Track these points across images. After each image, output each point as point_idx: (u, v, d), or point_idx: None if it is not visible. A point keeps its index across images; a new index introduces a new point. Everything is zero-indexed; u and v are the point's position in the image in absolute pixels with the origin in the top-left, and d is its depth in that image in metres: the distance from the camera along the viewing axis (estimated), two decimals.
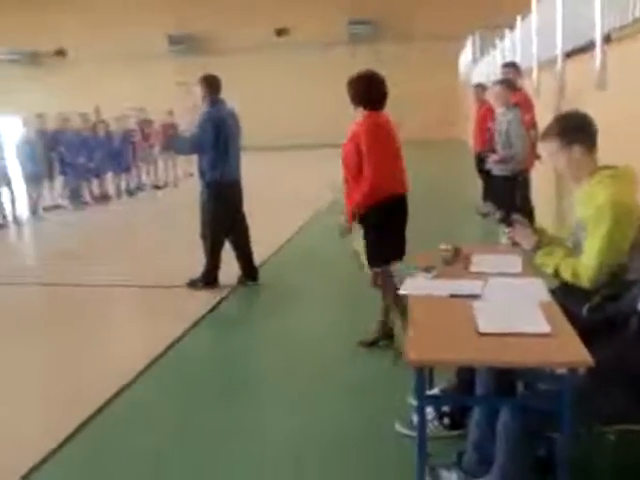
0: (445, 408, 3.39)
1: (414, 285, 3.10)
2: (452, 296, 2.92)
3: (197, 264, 6.42)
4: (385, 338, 4.64)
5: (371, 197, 4.28)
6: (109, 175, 14.05)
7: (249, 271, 6.51)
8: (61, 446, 3.51)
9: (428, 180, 14.16)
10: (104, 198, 13.66)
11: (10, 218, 11.41)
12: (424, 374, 2.53)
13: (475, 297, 2.87)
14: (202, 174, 6.31)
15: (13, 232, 11.11)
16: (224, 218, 6.28)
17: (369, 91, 4.45)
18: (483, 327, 2.51)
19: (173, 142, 6.73)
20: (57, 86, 27.87)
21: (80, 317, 5.94)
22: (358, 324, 4.96)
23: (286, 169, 17.71)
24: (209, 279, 6.38)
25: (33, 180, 11.89)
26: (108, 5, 25.28)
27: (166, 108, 15.72)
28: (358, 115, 4.47)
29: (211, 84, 6.31)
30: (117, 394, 4.10)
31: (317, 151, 23.58)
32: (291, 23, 26.74)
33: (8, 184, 11.41)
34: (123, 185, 14.53)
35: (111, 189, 14.18)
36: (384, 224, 4.35)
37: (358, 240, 4.48)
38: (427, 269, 3.27)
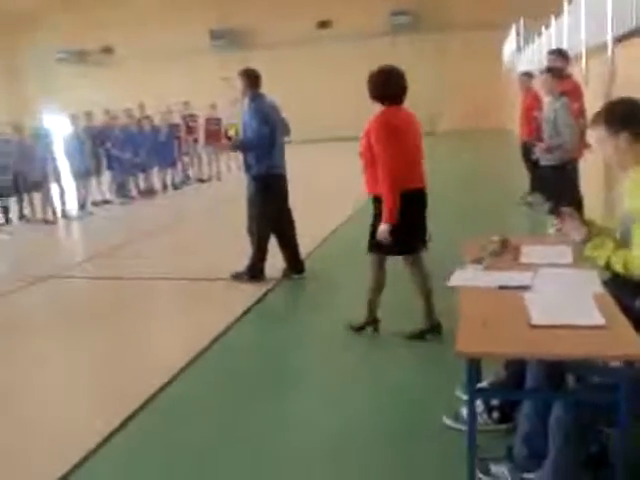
0: (494, 402, 3.35)
1: (463, 277, 3.06)
2: (501, 288, 2.88)
3: (242, 257, 6.45)
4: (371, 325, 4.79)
5: (394, 195, 4.33)
6: (155, 170, 14.28)
7: (295, 264, 6.51)
8: (106, 440, 3.54)
9: (472, 170, 14.03)
10: (150, 192, 13.86)
11: (59, 213, 11.70)
12: (475, 367, 2.49)
13: (525, 288, 2.82)
14: (248, 168, 6.32)
15: (62, 227, 11.36)
16: (271, 211, 6.28)
17: (385, 86, 4.51)
18: (535, 319, 2.46)
19: (239, 145, 6.74)
20: (104, 83, 28.36)
21: (127, 310, 6.03)
22: (401, 316, 4.93)
23: (329, 162, 17.68)
24: (254, 272, 6.40)
25: (81, 176, 12.15)
26: (152, 2, 25.58)
27: (209, 102, 15.86)
28: (377, 109, 4.53)
29: (252, 78, 6.30)
30: (162, 388, 4.14)
31: (354, 143, 23.58)
32: (333, 15, 26.68)
33: (57, 180, 11.69)
34: (169, 179, 14.75)
35: (157, 183, 14.41)
36: (404, 215, 4.38)
37: None
38: (476, 261, 3.24)
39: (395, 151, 4.33)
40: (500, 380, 3.33)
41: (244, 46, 27.69)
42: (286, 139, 6.53)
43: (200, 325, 5.44)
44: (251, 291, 6.13)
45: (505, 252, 3.36)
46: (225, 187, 14.34)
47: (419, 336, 4.63)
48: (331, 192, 11.82)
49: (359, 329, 4.79)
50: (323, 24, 26.86)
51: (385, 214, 4.37)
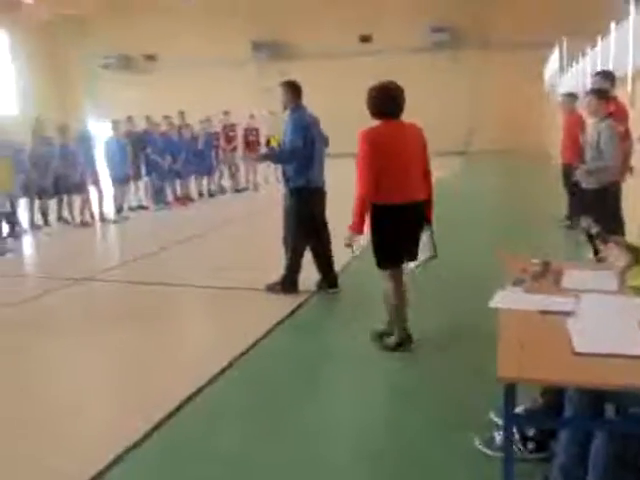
0: (529, 431, 3.25)
1: (504, 299, 3.00)
2: (543, 312, 2.82)
3: (276, 267, 6.46)
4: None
5: (361, 209, 4.47)
6: (192, 177, 14.40)
7: (329, 278, 6.48)
8: (136, 445, 3.54)
9: (509, 190, 13.89)
10: (186, 199, 13.98)
11: (97, 217, 11.86)
12: (514, 392, 2.43)
13: (568, 314, 2.76)
14: (287, 180, 6.31)
15: (99, 230, 11.51)
16: (307, 224, 6.26)
17: (381, 103, 4.57)
18: (579, 346, 2.39)
19: (272, 155, 6.75)
20: (146, 89, 28.78)
21: (160, 315, 6.06)
22: (435, 333, 4.86)
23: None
24: (288, 284, 6.39)
25: (120, 180, 12.31)
26: (196, 12, 25.94)
27: (248, 112, 15.98)
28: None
29: (294, 90, 6.29)
30: (193, 395, 4.13)
31: None
32: (374, 30, 26.77)
33: (96, 184, 11.86)
34: (205, 187, 14.87)
35: (193, 191, 14.53)
36: (378, 231, 4.54)
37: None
38: (517, 283, 3.18)
39: (378, 165, 4.39)
40: (536, 407, 3.26)
41: (285, 58, 27.91)
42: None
43: (233, 334, 5.43)
44: (285, 302, 6.12)
45: (546, 275, 3.30)
46: (261, 198, 14.43)
47: (393, 348, 4.74)
48: None
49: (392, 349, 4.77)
50: (364, 38, 26.97)
51: (352, 224, 4.51)
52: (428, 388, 4.19)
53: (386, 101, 4.56)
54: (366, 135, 4.46)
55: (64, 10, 27.27)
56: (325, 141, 6.52)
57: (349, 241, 4.55)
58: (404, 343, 4.76)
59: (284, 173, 6.33)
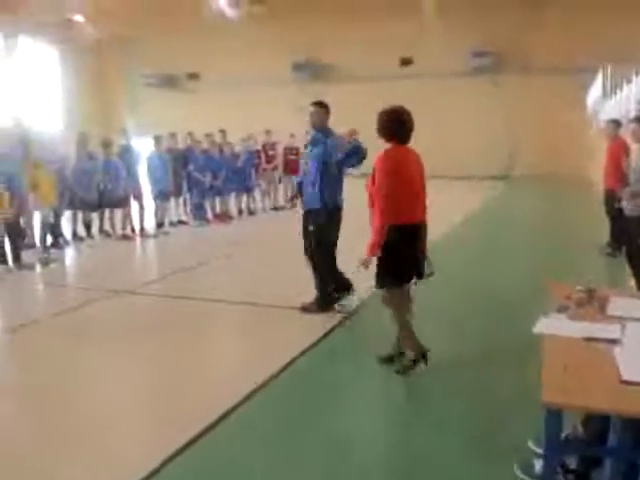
0: (570, 462, 3.19)
1: (548, 325, 2.98)
2: (588, 339, 2.79)
3: (311, 286, 6.51)
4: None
5: (381, 228, 4.49)
6: (232, 194, 14.55)
7: (346, 284, 6.56)
8: (168, 461, 3.54)
9: (550, 216, 13.74)
10: (226, 216, 14.12)
11: (138, 231, 12.06)
12: (558, 418, 2.41)
13: (613, 342, 2.73)
14: (314, 198, 6.32)
15: (139, 244, 11.68)
16: (333, 241, 6.40)
17: (392, 127, 4.65)
18: (627, 375, 2.37)
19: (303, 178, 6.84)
20: (189, 107, 29.25)
21: (195, 331, 6.11)
22: (465, 357, 4.82)
23: None
24: (324, 302, 6.43)
25: (161, 196, 12.50)
26: (237, 32, 26.31)
27: (289, 131, 16.10)
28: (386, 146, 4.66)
29: (327, 110, 6.41)
30: (226, 413, 4.13)
31: (432, 181, 23.44)
32: (415, 53, 26.87)
33: (139, 198, 12.07)
34: (244, 205, 15.00)
35: (233, 208, 14.68)
36: (390, 252, 4.54)
37: None
38: (560, 309, 3.16)
39: (397, 187, 4.50)
40: (577, 435, 3.21)
41: (325, 79, 28.15)
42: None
43: (266, 352, 5.45)
44: (322, 321, 6.14)
45: (591, 302, 3.27)
46: (298, 216, 14.46)
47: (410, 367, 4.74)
48: None
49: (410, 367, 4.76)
50: (405, 61, 27.07)
51: (369, 245, 4.54)
52: (459, 412, 4.14)
53: (399, 126, 4.67)
54: (387, 158, 4.57)
55: (112, 30, 27.95)
56: (363, 153, 6.67)
57: (366, 263, 4.59)
58: (419, 360, 4.76)
59: (312, 191, 6.31)
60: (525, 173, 24.43)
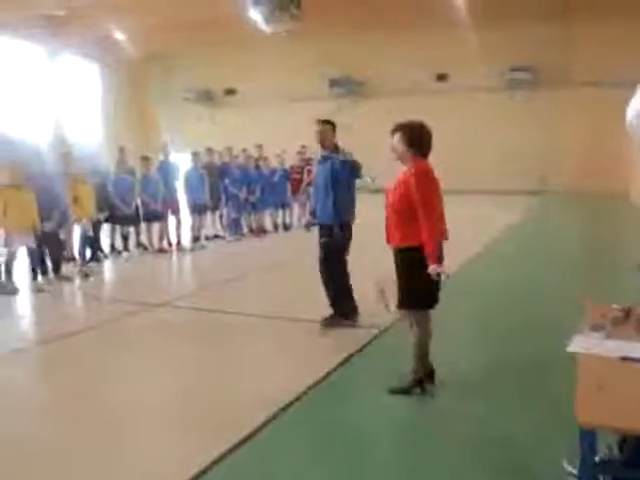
0: None
1: (584, 344, 2.96)
2: (624, 359, 2.76)
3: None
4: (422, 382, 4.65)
5: (436, 239, 4.35)
6: (267, 209, 14.66)
7: (351, 308, 6.59)
8: (204, 472, 3.56)
9: (586, 232, 13.54)
10: (261, 231, 14.23)
11: (174, 244, 12.22)
12: (594, 440, 2.38)
13: None
14: (333, 215, 6.36)
15: (175, 258, 11.83)
16: (346, 255, 6.48)
17: (419, 139, 4.53)
18: None
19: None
20: (226, 122, 29.62)
21: (230, 343, 6.15)
22: (491, 377, 4.75)
23: None
24: (347, 314, 6.48)
25: (198, 210, 12.64)
26: (274, 48, 26.57)
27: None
28: (406, 161, 4.53)
29: (333, 128, 6.48)
30: (257, 430, 4.12)
31: (469, 196, 23.29)
32: (450, 69, 26.83)
33: (175, 213, 12.24)
34: (280, 219, 15.09)
35: (268, 223, 14.77)
36: (423, 272, 4.35)
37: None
38: (595, 328, 3.13)
39: (435, 204, 4.42)
40: (613, 457, 3.15)
41: (361, 94, 28.29)
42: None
43: (297, 368, 5.45)
44: (354, 336, 6.13)
45: (628, 321, 3.23)
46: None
47: (405, 391, 4.61)
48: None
49: (411, 387, 4.67)
50: (440, 77, 27.05)
51: (433, 258, 4.31)
52: (498, 425, 4.10)
53: (427, 141, 4.58)
54: (426, 172, 4.47)
55: (151, 47, 28.49)
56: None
57: (438, 276, 4.40)
58: (416, 385, 4.66)
59: (331, 208, 6.34)
60: (563, 188, 24.16)
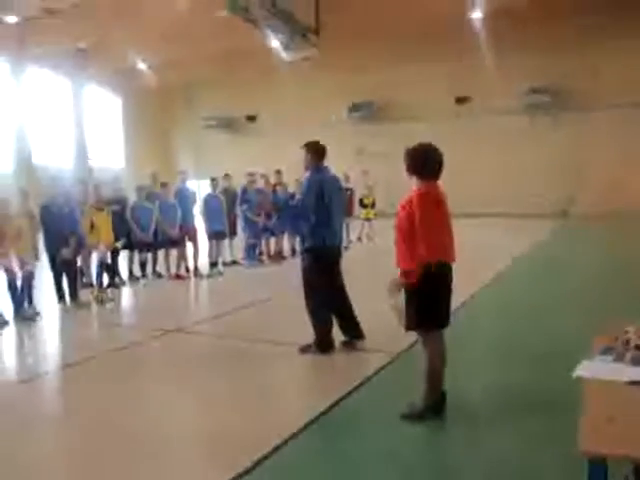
0: None
1: (590, 369, 2.85)
2: (632, 383, 2.65)
3: (364, 326, 6.48)
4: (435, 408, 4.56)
5: (424, 265, 4.30)
6: (285, 235, 14.63)
7: (351, 330, 6.45)
8: None
9: (609, 256, 13.31)
10: (279, 257, 14.19)
11: (192, 271, 12.22)
12: (600, 472, 2.27)
13: None
14: (303, 239, 6.36)
15: (193, 284, 11.83)
16: (326, 284, 6.29)
17: (424, 163, 4.50)
18: None
19: (279, 209, 6.80)
20: (246, 148, 29.89)
21: (245, 370, 6.09)
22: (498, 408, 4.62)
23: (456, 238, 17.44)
24: (323, 346, 6.34)
25: (215, 236, 12.66)
26: (294, 75, 26.84)
27: (343, 172, 16.16)
28: (413, 183, 4.52)
29: (316, 151, 6.39)
30: (269, 454, 4.09)
31: (491, 219, 23.11)
32: (471, 92, 26.83)
33: (193, 239, 12.26)
34: (298, 245, 15.03)
35: (286, 248, 14.74)
36: (431, 291, 4.37)
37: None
38: (605, 351, 3.02)
39: (437, 224, 4.38)
40: None
41: (381, 119, 28.37)
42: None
43: (314, 391, 5.44)
44: (371, 359, 6.09)
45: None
46: (352, 256, 14.43)
47: (419, 417, 4.52)
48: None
49: (423, 413, 4.56)
50: (461, 100, 27.05)
51: (406, 273, 4.35)
52: (509, 464, 3.96)
53: (434, 162, 4.53)
54: (426, 194, 4.43)
55: (174, 76, 28.95)
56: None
57: (398, 287, 4.39)
58: (437, 406, 4.58)
59: (301, 232, 6.35)
60: (588, 211, 23.88)
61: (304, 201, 6.23)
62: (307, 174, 6.45)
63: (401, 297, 4.45)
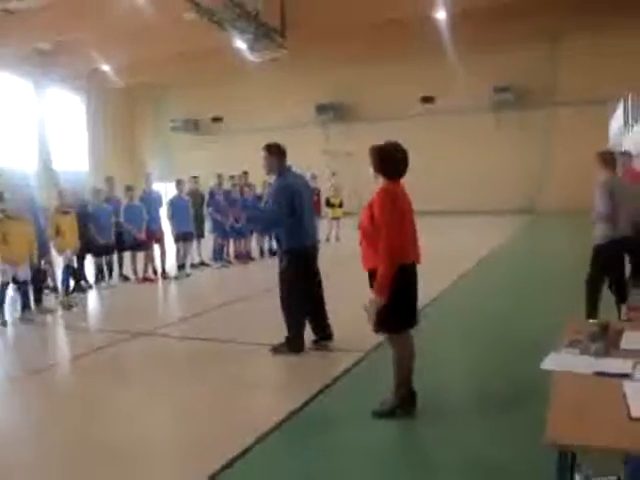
0: None
1: (557, 361, 2.89)
2: (597, 374, 2.70)
3: (336, 325, 6.53)
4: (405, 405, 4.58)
5: (392, 266, 4.27)
6: (253, 235, 14.58)
7: (323, 330, 6.49)
8: None
9: (574, 251, 13.50)
10: (247, 257, 14.14)
11: (159, 273, 12.11)
12: (567, 461, 2.30)
13: (624, 377, 2.63)
14: (279, 242, 6.37)
15: (160, 287, 11.71)
16: (303, 283, 6.30)
17: (388, 162, 4.50)
18: (636, 411, 2.27)
19: (255, 219, 6.76)
20: (213, 150, 29.73)
21: (215, 370, 6.07)
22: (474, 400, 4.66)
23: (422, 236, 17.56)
24: (295, 346, 6.35)
25: (182, 238, 12.54)
26: (261, 76, 26.74)
27: (310, 172, 16.17)
28: (379, 182, 4.51)
29: (277, 153, 6.36)
30: (242, 454, 4.08)
31: (457, 218, 23.32)
32: (436, 92, 27.02)
33: (160, 241, 12.14)
34: (266, 245, 15.02)
35: (254, 249, 14.70)
36: (396, 292, 4.32)
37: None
38: (572, 344, 3.06)
39: (398, 224, 4.34)
40: None
41: (349, 119, 28.44)
42: None
43: (282, 392, 5.44)
44: (341, 357, 6.11)
45: (605, 336, 3.16)
46: (320, 256, 14.45)
47: (390, 413, 4.54)
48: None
49: (393, 410, 4.58)
50: (426, 99, 27.23)
51: (378, 288, 4.29)
52: (478, 459, 3.99)
53: (399, 162, 4.52)
54: (387, 194, 4.41)
55: (137, 78, 28.65)
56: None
57: (373, 309, 4.31)
58: (407, 402, 4.60)
59: (276, 235, 6.37)
60: (553, 207, 24.21)
61: (275, 210, 6.22)
62: (273, 178, 6.45)
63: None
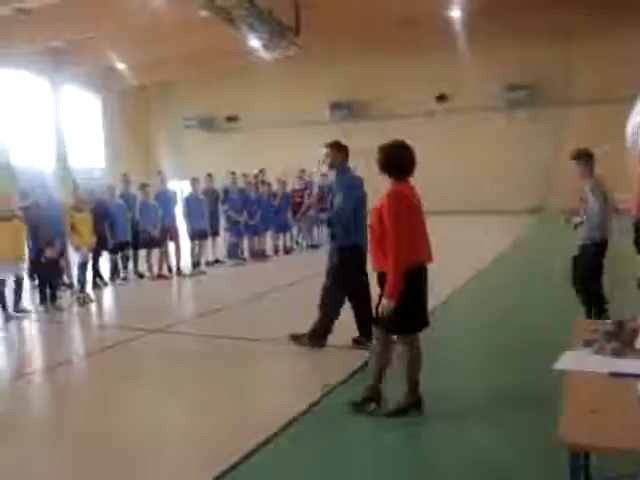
0: None
1: (572, 361, 2.88)
2: (612, 374, 2.68)
3: (347, 325, 6.47)
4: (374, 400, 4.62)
5: (399, 269, 4.24)
6: (268, 233, 14.63)
7: (367, 331, 6.32)
8: None
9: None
10: (262, 255, 14.18)
11: (174, 270, 12.17)
12: (579, 461, 2.29)
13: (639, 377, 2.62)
14: (334, 237, 6.39)
15: (175, 284, 11.77)
16: (351, 280, 6.32)
17: (395, 161, 4.48)
18: None
19: (330, 217, 6.75)
20: (227, 148, 29.75)
21: (229, 368, 6.09)
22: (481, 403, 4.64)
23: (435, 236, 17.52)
24: (317, 338, 6.39)
25: (197, 236, 12.60)
26: (275, 74, 26.72)
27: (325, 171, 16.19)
28: (387, 182, 4.49)
29: (344, 151, 6.44)
30: (252, 452, 4.08)
31: (469, 217, 23.22)
32: (450, 89, 26.91)
33: (175, 239, 12.20)
34: (281, 243, 15.05)
35: (269, 247, 14.73)
36: (406, 294, 4.28)
37: None
38: (587, 343, 3.05)
39: (406, 224, 4.30)
40: None
41: (363, 117, 28.37)
42: None
43: (297, 390, 5.43)
44: (355, 355, 6.08)
45: (620, 336, 3.14)
46: None
47: (402, 412, 4.52)
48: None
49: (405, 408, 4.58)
50: (440, 97, 27.13)
51: (389, 290, 4.26)
52: (489, 461, 3.98)
53: (406, 160, 4.51)
54: (398, 194, 4.39)
55: (153, 76, 28.73)
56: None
57: (387, 310, 4.31)
58: (411, 408, 4.57)
59: (332, 231, 6.39)
60: (566, 206, 24.01)
61: (343, 205, 6.23)
62: (334, 174, 6.54)
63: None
